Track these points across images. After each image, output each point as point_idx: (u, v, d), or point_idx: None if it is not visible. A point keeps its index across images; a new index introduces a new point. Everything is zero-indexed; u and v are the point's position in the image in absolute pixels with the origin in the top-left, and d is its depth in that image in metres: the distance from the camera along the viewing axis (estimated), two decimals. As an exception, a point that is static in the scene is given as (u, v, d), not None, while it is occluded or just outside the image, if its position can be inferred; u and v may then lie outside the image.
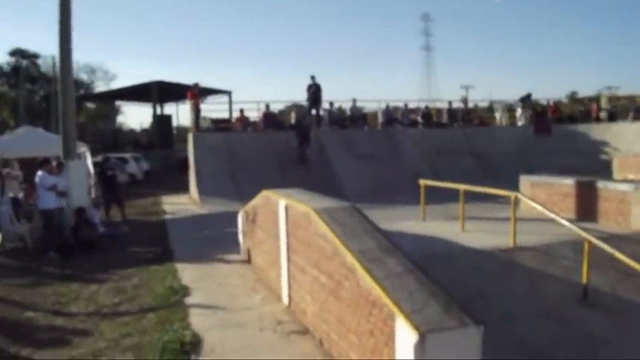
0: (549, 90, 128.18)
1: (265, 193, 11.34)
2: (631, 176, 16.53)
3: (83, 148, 20.75)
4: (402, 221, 12.97)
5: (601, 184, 12.47)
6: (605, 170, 20.19)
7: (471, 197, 12.29)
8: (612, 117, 34.40)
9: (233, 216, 14.15)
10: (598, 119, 33.93)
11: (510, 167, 19.30)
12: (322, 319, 8.19)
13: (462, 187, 11.74)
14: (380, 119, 31.30)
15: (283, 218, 9.85)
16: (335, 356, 7.69)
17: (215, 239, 15.65)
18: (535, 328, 8.04)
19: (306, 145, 25.83)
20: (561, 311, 8.54)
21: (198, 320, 9.45)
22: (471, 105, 37.04)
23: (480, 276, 8.95)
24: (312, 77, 29.18)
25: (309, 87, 29.05)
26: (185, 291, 11.06)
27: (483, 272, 9.08)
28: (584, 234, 9.04)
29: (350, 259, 7.02)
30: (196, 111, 27.88)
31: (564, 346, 7.80)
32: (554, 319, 8.35)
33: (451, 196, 11.93)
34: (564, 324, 8.28)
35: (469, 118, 33.01)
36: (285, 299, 9.94)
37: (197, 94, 28.02)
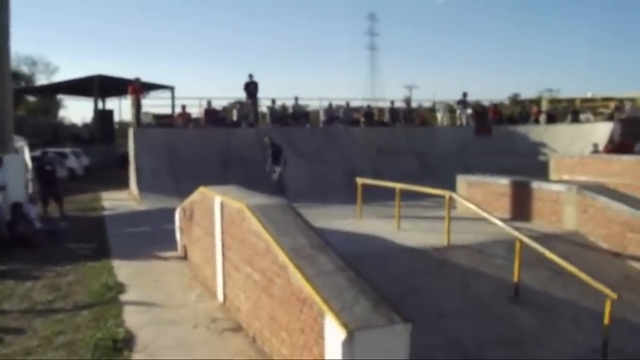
0: (492, 92, 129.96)
1: (202, 190, 11.28)
2: (566, 177, 16.79)
3: (21, 143, 20.35)
4: (340, 219, 12.99)
5: (535, 185, 12.65)
6: (542, 171, 20.46)
7: (411, 196, 12.36)
8: (551, 119, 35.02)
9: (172, 212, 14.07)
10: (537, 121, 34.48)
11: (450, 167, 19.50)
12: (255, 316, 8.19)
13: (399, 185, 11.81)
14: (322, 117, 31.34)
15: (218, 215, 9.82)
16: (267, 353, 7.70)
17: (153, 236, 15.56)
18: (467, 326, 8.12)
19: (284, 167, 23.44)
20: (493, 309, 8.64)
21: (132, 317, 9.39)
22: (414, 105, 37.39)
23: (414, 274, 9.01)
24: (250, 75, 29.44)
25: (247, 85, 29.15)
26: (120, 288, 10.98)
27: (417, 271, 9.14)
28: (515, 233, 9.15)
29: (282, 256, 7.02)
30: (137, 106, 27.61)
31: (495, 343, 7.90)
32: (486, 316, 8.45)
33: (391, 195, 12.00)
34: (496, 322, 8.37)
35: (411, 118, 33.28)
36: (220, 296, 9.91)
37: (138, 88, 27.77)
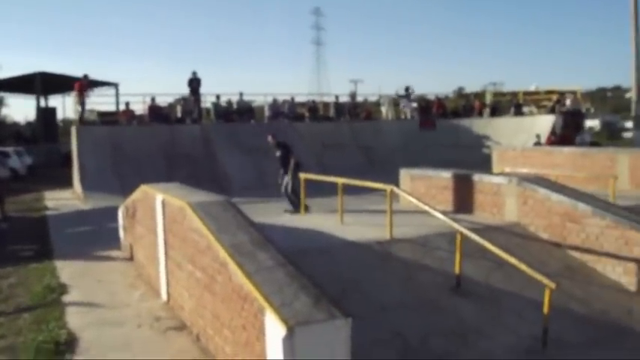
0: (438, 86, 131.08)
1: (143, 188, 11.19)
2: (508, 169, 17.02)
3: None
4: (284, 215, 12.99)
5: (477, 177, 12.77)
6: (486, 163, 20.71)
7: (356, 190, 12.41)
8: (494, 112, 35.44)
9: (116, 211, 13.96)
10: (481, 114, 34.87)
11: (395, 160, 19.62)
12: (199, 314, 8.17)
13: (340, 180, 11.82)
14: (267, 113, 31.29)
15: (160, 213, 9.76)
16: (211, 351, 7.69)
17: (97, 235, 15.41)
18: (410, 319, 8.17)
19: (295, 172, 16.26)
20: (435, 301, 8.71)
21: (74, 319, 9.30)
22: (360, 99, 37.49)
23: (356, 268, 9.04)
24: (194, 72, 29.56)
25: (191, 81, 29.13)
26: (63, 289, 10.86)
27: (360, 265, 9.17)
28: (456, 225, 9.24)
29: (222, 253, 7.02)
30: (82, 103, 27.28)
31: (438, 335, 7.95)
32: (429, 309, 8.51)
33: (336, 189, 12.01)
34: (438, 313, 8.44)
35: (356, 112, 33.37)
36: (164, 295, 9.86)
37: (85, 85, 27.45)
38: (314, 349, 5.71)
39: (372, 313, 8.05)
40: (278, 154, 17.49)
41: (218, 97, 30.53)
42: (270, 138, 18.27)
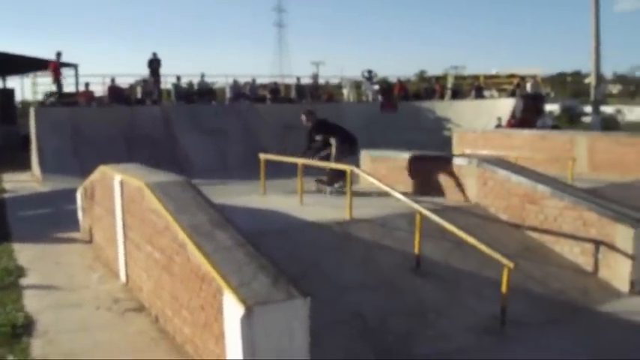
0: (401, 69, 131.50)
1: (102, 169, 11.07)
2: (468, 151, 17.12)
3: None
4: (244, 196, 12.93)
5: (436, 158, 12.84)
6: (446, 146, 20.87)
7: (319, 172, 12.39)
8: (456, 95, 35.65)
9: (75, 193, 13.75)
10: (442, 97, 35.04)
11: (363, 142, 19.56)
12: (157, 295, 8.12)
13: (300, 160, 11.81)
14: (228, 94, 31.15)
15: (118, 194, 9.67)
16: (170, 332, 7.65)
17: (56, 217, 15.25)
18: (369, 299, 8.20)
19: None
20: (395, 281, 8.74)
21: (32, 301, 9.19)
22: (322, 81, 37.43)
23: (316, 249, 9.02)
24: (154, 53, 29.45)
25: (151, 62, 28.93)
26: (20, 272, 10.73)
27: (320, 245, 9.16)
28: (415, 206, 9.26)
29: (181, 234, 6.97)
30: (59, 83, 27.09)
31: (397, 315, 7.99)
32: (388, 289, 8.54)
33: (297, 171, 11.98)
34: (398, 293, 8.48)
35: (317, 94, 33.35)
36: (123, 277, 9.79)
37: (59, 64, 27.20)
38: (272, 328, 5.71)
39: (332, 294, 8.04)
40: (318, 137, 13.29)
41: (179, 78, 30.34)
42: (303, 117, 13.98)
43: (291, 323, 5.80)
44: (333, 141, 12.79)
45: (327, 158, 12.56)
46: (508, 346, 7.78)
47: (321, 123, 13.72)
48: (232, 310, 5.73)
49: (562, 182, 11.52)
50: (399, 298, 8.37)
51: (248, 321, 5.55)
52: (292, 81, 34.60)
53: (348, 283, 8.42)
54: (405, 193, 10.24)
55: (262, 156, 13.15)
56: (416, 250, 9.16)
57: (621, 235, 9.80)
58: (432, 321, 8.04)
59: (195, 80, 31.05)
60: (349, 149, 12.90)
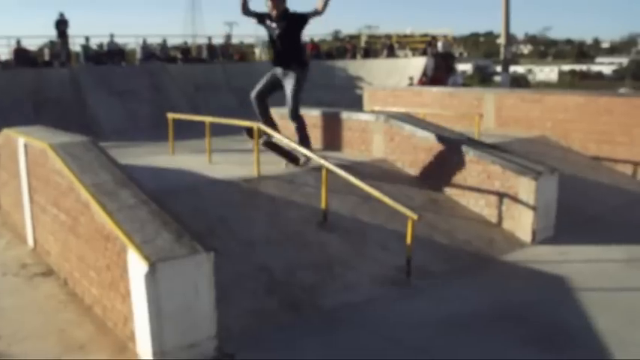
0: (315, 29, 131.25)
1: (5, 132, 10.83)
2: (378, 108, 17.25)
3: None
4: (153, 156, 12.82)
5: (345, 115, 12.96)
6: (358, 104, 21.02)
7: (230, 131, 12.37)
8: (368, 54, 35.85)
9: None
10: (354, 56, 35.19)
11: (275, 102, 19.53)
12: (65, 258, 8.04)
13: (208, 119, 11.76)
14: (138, 55, 30.69)
15: (23, 157, 9.49)
16: (79, 295, 7.60)
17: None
18: (276, 253, 8.26)
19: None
20: (302, 236, 8.82)
21: (-64, 272, 8.95)
22: (236, 42, 37.18)
23: (223, 206, 9.04)
24: (61, 14, 28.63)
25: (58, 23, 28.27)
26: None
27: (227, 202, 9.17)
28: (321, 161, 9.35)
29: (84, 193, 6.90)
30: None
31: (304, 268, 8.09)
32: (295, 243, 8.62)
33: (214, 130, 11.95)
34: (304, 247, 8.57)
35: (229, 54, 33.08)
36: (31, 241, 9.63)
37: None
38: (177, 283, 5.74)
39: (239, 249, 8.10)
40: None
41: (87, 39, 29.70)
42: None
43: (196, 279, 5.84)
44: None
45: None
46: (413, 296, 7.96)
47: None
48: (136, 267, 5.74)
49: (467, 137, 11.76)
50: (306, 252, 8.46)
51: (152, 278, 5.57)
52: (204, 41, 34.25)
53: (255, 238, 8.48)
54: (312, 150, 10.33)
55: (170, 115, 13.03)
56: (323, 205, 9.27)
57: (524, 187, 10.10)
58: (338, 273, 8.16)
59: (105, 41, 30.44)
60: None
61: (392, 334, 6.86)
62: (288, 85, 10.09)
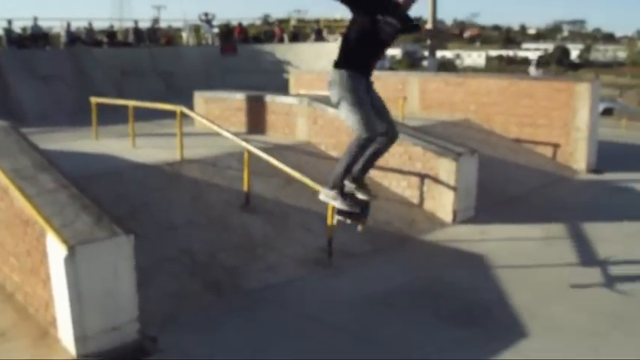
0: (244, 12, 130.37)
1: None
2: (303, 92, 17.32)
3: None
4: (77, 141, 12.65)
5: (269, 99, 13.03)
6: (286, 88, 21.02)
7: (154, 115, 12.30)
8: (296, 38, 35.83)
9: None
10: (282, 40, 35.14)
11: (196, 86, 19.28)
12: (-16, 245, 7.90)
13: (131, 103, 11.64)
14: (63, 39, 30.07)
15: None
16: (0, 282, 7.48)
17: None
18: (199, 236, 8.32)
19: None
20: (224, 218, 8.89)
21: None
22: (164, 25, 36.72)
23: (146, 190, 9.03)
24: None
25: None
26: None
27: (150, 186, 9.16)
28: (243, 144, 9.39)
29: (3, 178, 6.81)
30: None
31: (227, 250, 8.16)
32: (218, 226, 8.68)
33: (139, 115, 11.84)
34: (227, 230, 8.64)
35: (156, 38, 32.68)
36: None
37: None
38: (96, 267, 5.75)
39: (161, 233, 8.12)
40: None
41: (10, 22, 28.94)
42: None
43: (116, 262, 5.87)
44: None
45: None
46: (334, 276, 8.12)
47: None
48: (56, 251, 5.73)
49: (390, 119, 11.93)
50: (228, 235, 8.53)
51: (71, 261, 5.57)
52: (130, 25, 33.74)
53: (177, 221, 8.51)
54: (236, 133, 10.36)
55: (94, 99, 12.84)
56: (245, 188, 9.34)
57: (444, 168, 10.35)
58: (260, 255, 8.26)
59: (29, 25, 29.73)
60: None
61: (312, 313, 7.00)
62: (378, 97, 6.93)
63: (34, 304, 6.63)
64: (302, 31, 38.16)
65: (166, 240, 8.03)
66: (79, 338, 5.75)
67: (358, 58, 6.24)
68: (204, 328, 6.58)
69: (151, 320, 6.31)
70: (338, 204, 6.48)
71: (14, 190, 6.57)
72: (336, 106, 6.22)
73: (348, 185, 6.55)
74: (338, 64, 6.21)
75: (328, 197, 6.43)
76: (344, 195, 6.50)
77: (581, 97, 14.29)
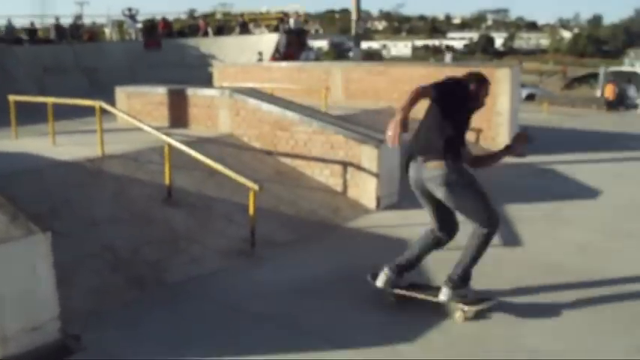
0: (172, 7, 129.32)
1: None
2: (226, 84, 17.33)
3: None
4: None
5: (190, 92, 13.01)
6: (210, 81, 20.97)
7: (76, 113, 12.16)
8: (220, 31, 35.72)
9: None
10: (206, 34, 35.00)
11: (120, 82, 19.03)
12: None
13: (50, 100, 11.48)
14: (-19, 36, 29.43)
15: None
16: None
17: None
18: (121, 232, 8.24)
19: None
20: (146, 213, 8.84)
21: None
22: (88, 21, 36.21)
23: (66, 187, 8.91)
24: None
25: None
26: None
27: (70, 183, 9.04)
28: (164, 137, 9.35)
29: None
30: None
31: (149, 244, 8.12)
32: (140, 221, 8.63)
33: (57, 113, 11.67)
34: (149, 224, 8.59)
35: (79, 34, 32.21)
36: None
37: None
38: (13, 266, 5.65)
39: (82, 229, 8.02)
40: None
41: None
42: None
43: (34, 260, 5.77)
44: None
45: None
46: (258, 266, 8.13)
47: None
48: (-32, 252, 5.64)
49: (311, 109, 12.06)
50: (151, 229, 8.49)
51: (-17, 261, 5.50)
52: (52, 21, 33.19)
53: (99, 217, 8.42)
54: (158, 128, 10.32)
55: (12, 97, 12.58)
56: (167, 182, 9.31)
57: (366, 155, 10.48)
58: (183, 248, 8.25)
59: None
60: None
61: (237, 303, 7.01)
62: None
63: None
64: (227, 25, 38.01)
65: (88, 237, 7.94)
66: (-1, 340, 5.66)
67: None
68: (128, 324, 6.53)
69: (73, 318, 6.23)
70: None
71: None
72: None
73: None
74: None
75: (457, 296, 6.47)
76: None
77: (501, 83, 14.61)
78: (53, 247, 5.82)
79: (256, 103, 11.76)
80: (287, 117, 11.33)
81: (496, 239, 8.34)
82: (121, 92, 14.04)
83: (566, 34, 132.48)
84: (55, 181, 9.03)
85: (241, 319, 6.67)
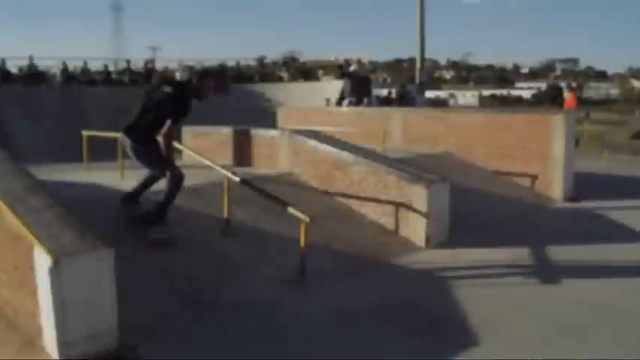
0: (241, 53, 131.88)
1: None
2: (289, 127, 17.89)
3: None
4: (70, 173, 13.09)
5: (253, 132, 13.69)
6: (275, 125, 21.54)
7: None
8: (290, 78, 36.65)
9: None
10: (277, 80, 35.91)
11: (187, 122, 19.96)
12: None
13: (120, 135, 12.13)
14: (58, 78, 30.65)
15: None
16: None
17: None
18: (179, 257, 8.81)
19: None
20: (206, 243, 9.38)
21: None
22: (161, 65, 37.43)
23: (133, 215, 9.53)
24: None
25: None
26: None
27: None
28: (224, 171, 9.92)
29: (-5, 198, 7.24)
30: None
31: (205, 270, 8.66)
32: (198, 248, 9.20)
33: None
34: (206, 252, 9.16)
35: (150, 78, 33.30)
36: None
37: None
38: (80, 277, 6.20)
39: (143, 252, 8.61)
40: None
41: (4, 61, 29.46)
42: None
43: (98, 274, 6.32)
44: None
45: None
46: (308, 293, 8.58)
47: None
48: (42, 262, 6.16)
49: (366, 150, 12.51)
50: (210, 257, 9.06)
51: (56, 272, 6.01)
52: (125, 65, 34.39)
53: (160, 243, 8.99)
54: (222, 165, 10.86)
55: (85, 133, 13.38)
56: (225, 214, 9.86)
57: (417, 195, 10.86)
58: (238, 275, 8.74)
59: (24, 63, 30.32)
60: None
61: (285, 328, 7.44)
62: None
63: (21, 315, 6.99)
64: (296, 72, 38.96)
65: (149, 258, 8.50)
66: (62, 345, 6.14)
67: None
68: (182, 341, 6.99)
69: (130, 331, 6.69)
70: None
71: (4, 207, 7.02)
72: None
73: None
74: None
75: None
76: None
77: (556, 128, 14.88)
78: (116, 265, 6.38)
79: (314, 143, 12.29)
80: (343, 157, 11.82)
81: (540, 278, 8.67)
82: (187, 131, 14.70)
83: (637, 84, 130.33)
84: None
85: (289, 343, 7.08)
